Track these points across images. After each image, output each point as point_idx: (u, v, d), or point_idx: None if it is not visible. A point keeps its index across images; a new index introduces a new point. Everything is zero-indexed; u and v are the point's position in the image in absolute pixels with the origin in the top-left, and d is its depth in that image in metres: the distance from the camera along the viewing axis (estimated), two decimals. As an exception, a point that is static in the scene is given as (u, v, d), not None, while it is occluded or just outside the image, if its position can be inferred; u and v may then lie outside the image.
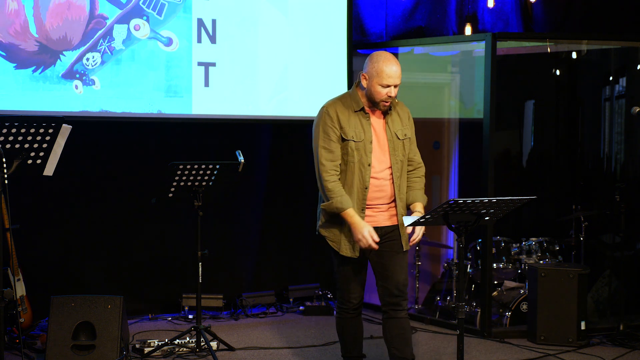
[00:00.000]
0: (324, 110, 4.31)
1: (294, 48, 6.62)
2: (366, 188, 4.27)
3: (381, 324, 4.52)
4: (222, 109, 6.37)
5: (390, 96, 4.22)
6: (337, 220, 4.29)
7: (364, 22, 7.15)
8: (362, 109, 4.30)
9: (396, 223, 4.37)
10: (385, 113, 4.34)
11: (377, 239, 4.19)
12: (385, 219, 4.36)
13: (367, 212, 4.31)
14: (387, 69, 4.18)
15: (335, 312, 4.64)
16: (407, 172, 4.43)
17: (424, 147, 4.99)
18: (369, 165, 4.27)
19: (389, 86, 4.20)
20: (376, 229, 4.27)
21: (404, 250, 4.38)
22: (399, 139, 4.34)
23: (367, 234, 4.17)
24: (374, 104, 4.29)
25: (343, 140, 4.25)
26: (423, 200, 4.42)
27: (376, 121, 4.34)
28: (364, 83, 4.27)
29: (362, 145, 4.26)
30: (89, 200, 6.32)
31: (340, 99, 4.36)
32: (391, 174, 4.32)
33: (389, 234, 4.36)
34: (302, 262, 7.20)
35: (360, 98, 4.31)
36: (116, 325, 5.01)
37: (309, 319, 6.55)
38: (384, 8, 7.20)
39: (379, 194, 4.31)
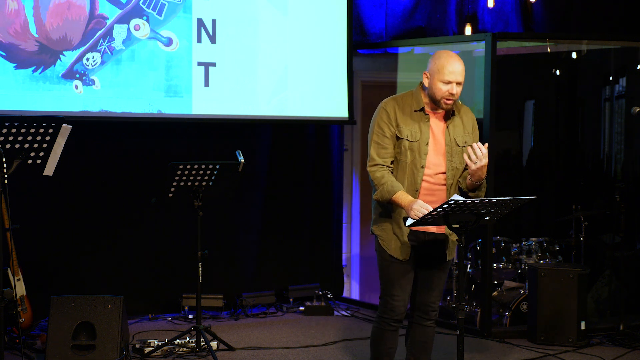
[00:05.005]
0: (382, 105, 4.16)
1: (293, 48, 6.62)
2: (417, 190, 4.09)
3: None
4: (222, 109, 6.37)
5: (452, 94, 4.05)
6: (389, 218, 4.15)
7: (364, 22, 7.15)
8: (422, 109, 4.12)
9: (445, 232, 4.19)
10: (448, 117, 4.17)
11: (430, 208, 3.91)
12: (434, 226, 4.13)
13: None
14: (449, 65, 4.03)
15: (374, 322, 4.34)
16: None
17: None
18: (422, 167, 4.09)
19: (450, 83, 4.04)
20: (425, 234, 4.16)
21: (448, 259, 4.25)
22: (457, 145, 4.15)
23: (418, 206, 3.91)
24: (435, 102, 4.11)
25: (397, 138, 4.10)
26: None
27: (436, 124, 4.15)
28: (425, 82, 4.11)
29: (416, 146, 4.09)
30: (89, 200, 6.32)
31: (402, 96, 4.20)
32: (445, 179, 4.14)
33: (438, 243, 4.21)
34: (302, 262, 7.19)
35: (422, 98, 4.14)
36: (116, 325, 5.00)
37: (309, 319, 6.55)
38: (384, 8, 7.20)
39: (430, 198, 4.08)
